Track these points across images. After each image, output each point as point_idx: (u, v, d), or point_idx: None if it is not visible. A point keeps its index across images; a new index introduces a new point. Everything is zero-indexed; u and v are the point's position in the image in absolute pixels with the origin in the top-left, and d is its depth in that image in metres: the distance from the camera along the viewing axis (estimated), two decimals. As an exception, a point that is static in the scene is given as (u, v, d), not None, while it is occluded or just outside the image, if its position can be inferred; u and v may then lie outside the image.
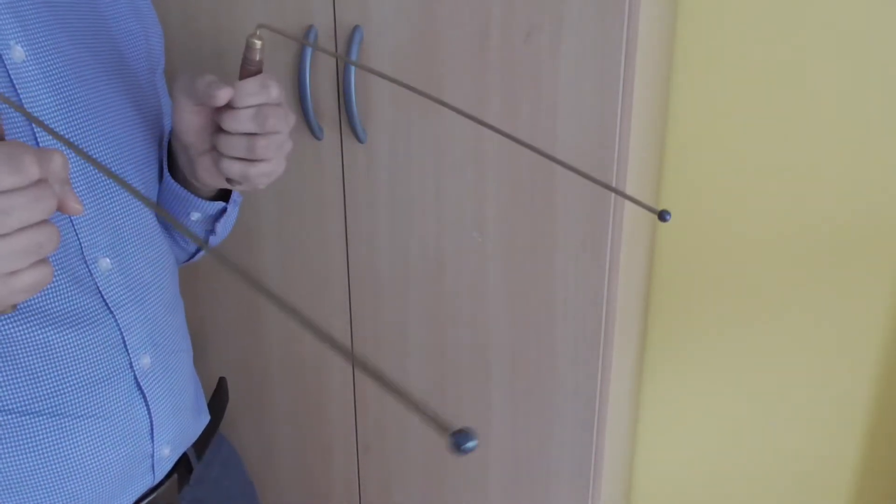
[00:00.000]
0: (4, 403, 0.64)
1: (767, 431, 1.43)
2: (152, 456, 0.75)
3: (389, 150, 1.04)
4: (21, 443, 0.65)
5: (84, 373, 0.67)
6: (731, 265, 1.35)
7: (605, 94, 0.92)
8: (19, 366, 0.64)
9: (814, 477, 1.43)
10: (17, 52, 0.62)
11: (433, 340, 1.12)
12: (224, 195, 0.84)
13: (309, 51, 1.02)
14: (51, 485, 0.67)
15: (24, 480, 0.66)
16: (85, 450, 0.68)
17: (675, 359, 1.45)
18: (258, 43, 0.68)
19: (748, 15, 1.21)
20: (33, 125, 0.63)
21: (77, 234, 0.66)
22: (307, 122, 1.05)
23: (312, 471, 1.30)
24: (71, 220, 0.66)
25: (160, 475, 0.77)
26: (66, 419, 0.67)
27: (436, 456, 1.19)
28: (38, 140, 0.63)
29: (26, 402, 0.65)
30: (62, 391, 0.66)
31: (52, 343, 0.65)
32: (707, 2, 1.22)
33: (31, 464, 0.66)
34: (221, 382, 0.97)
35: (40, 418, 0.65)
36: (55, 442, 0.66)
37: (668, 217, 0.59)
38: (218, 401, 0.93)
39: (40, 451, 0.66)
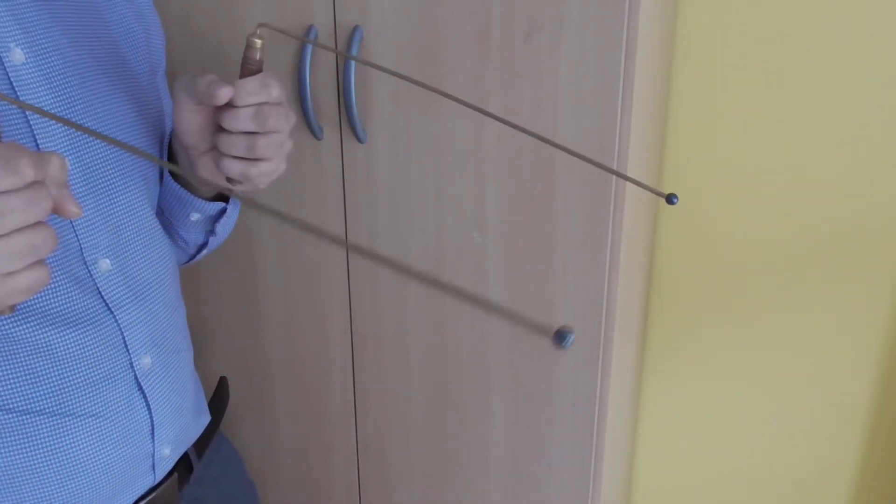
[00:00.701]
0: (5, 402, 0.64)
1: (767, 431, 1.43)
2: (153, 455, 0.75)
3: (389, 150, 1.04)
4: (21, 442, 0.65)
5: (84, 372, 0.67)
6: (731, 265, 1.35)
7: (606, 94, 0.92)
8: (20, 365, 0.64)
9: (813, 477, 1.43)
10: (17, 55, 0.62)
11: (433, 340, 1.12)
12: (224, 196, 0.84)
13: (309, 50, 1.02)
14: (51, 484, 0.67)
15: (24, 479, 0.66)
16: (85, 449, 0.68)
17: (675, 359, 1.45)
18: (258, 42, 0.68)
19: (748, 15, 1.21)
20: (33, 129, 0.63)
21: (77, 235, 0.66)
22: (307, 121, 1.05)
23: (312, 470, 1.30)
24: (71, 222, 0.66)
25: (161, 475, 0.78)
26: (66, 418, 0.67)
27: (436, 456, 1.19)
28: (38, 142, 0.63)
29: (27, 402, 0.65)
30: (63, 391, 0.66)
31: (52, 343, 0.65)
32: (707, 2, 1.22)
33: (32, 463, 0.66)
34: (222, 382, 0.97)
35: (41, 417, 0.65)
36: (55, 441, 0.66)
37: (675, 200, 0.59)
38: (218, 400, 0.93)
39: (41, 451, 0.66)
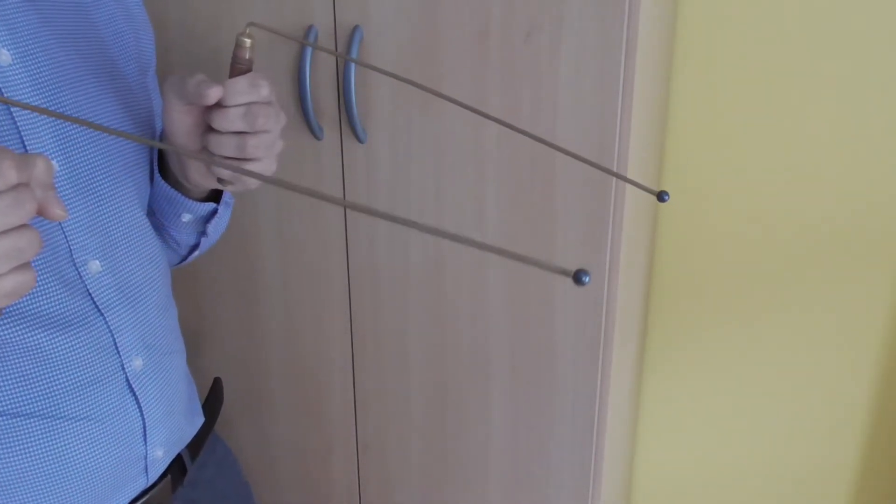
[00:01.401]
0: None
1: (767, 431, 1.43)
2: (145, 458, 0.75)
3: (389, 150, 1.04)
4: (12, 445, 0.65)
5: (75, 375, 0.67)
6: (731, 265, 1.35)
7: (605, 94, 0.92)
8: (10, 368, 0.64)
9: (813, 477, 1.43)
10: (4, 56, 0.62)
11: (433, 340, 1.12)
12: (215, 196, 0.83)
13: (309, 50, 1.02)
14: (42, 486, 0.67)
15: (15, 482, 0.66)
16: (77, 452, 0.68)
17: (675, 359, 1.45)
18: (248, 41, 0.68)
19: (748, 15, 1.21)
20: (20, 131, 0.62)
21: (66, 237, 0.66)
22: (307, 121, 1.05)
23: (312, 471, 1.30)
24: (60, 224, 0.65)
25: (154, 477, 0.77)
26: (57, 421, 0.66)
27: (436, 456, 1.19)
28: (26, 144, 0.63)
29: (17, 404, 0.64)
30: (53, 393, 0.66)
31: (42, 345, 0.65)
32: (707, 2, 1.22)
33: (23, 465, 0.66)
34: (216, 383, 0.96)
35: (32, 420, 0.65)
36: (47, 444, 0.66)
37: (666, 197, 0.59)
38: (213, 402, 0.93)
39: (32, 453, 0.66)
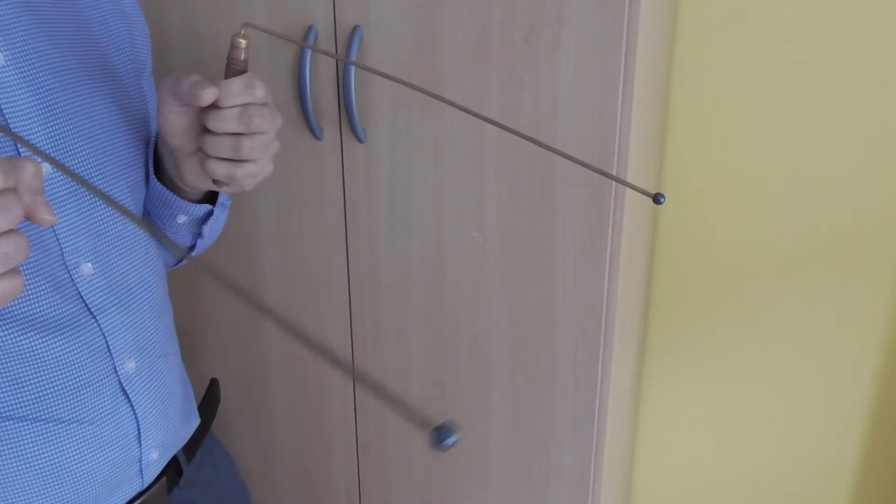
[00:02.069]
0: None
1: (767, 432, 1.43)
2: (140, 460, 0.75)
3: (389, 150, 1.04)
4: (5, 448, 0.65)
5: (68, 378, 0.67)
6: (731, 265, 1.35)
7: (605, 94, 0.91)
8: (2, 371, 0.63)
9: (814, 477, 1.43)
10: None
11: (433, 341, 1.12)
12: (211, 198, 0.83)
13: (309, 50, 1.02)
14: (36, 490, 0.67)
15: (8, 485, 0.65)
16: (70, 455, 0.68)
17: (675, 359, 1.45)
18: (243, 42, 0.68)
19: (748, 15, 1.21)
20: (14, 132, 0.62)
21: (58, 240, 0.66)
22: (307, 122, 1.05)
23: (312, 471, 1.30)
24: (52, 226, 0.65)
25: (149, 479, 0.77)
26: (50, 424, 0.66)
27: (436, 456, 1.19)
28: (19, 148, 0.62)
29: (10, 408, 0.64)
30: (46, 396, 0.66)
31: (34, 349, 0.64)
32: (707, 1, 1.22)
33: (16, 469, 0.65)
34: (213, 384, 0.96)
35: (24, 423, 0.65)
36: (40, 447, 0.66)
37: (662, 200, 0.59)
38: (209, 403, 0.92)
39: (25, 457, 0.66)
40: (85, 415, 0.68)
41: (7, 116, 0.62)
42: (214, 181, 0.72)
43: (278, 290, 1.19)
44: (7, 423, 0.64)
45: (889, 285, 1.27)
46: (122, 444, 0.72)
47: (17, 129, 0.62)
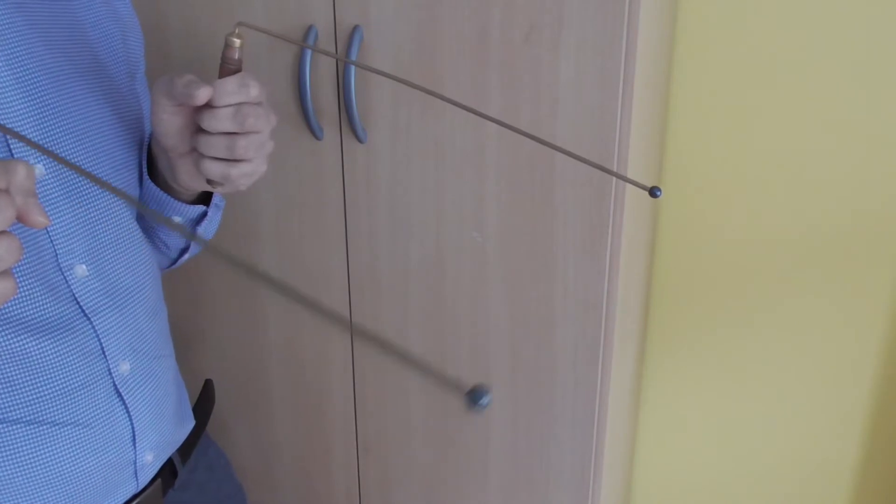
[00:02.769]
0: None
1: (767, 432, 1.43)
2: (135, 463, 0.74)
3: (389, 150, 1.04)
4: (0, 451, 0.65)
5: (62, 380, 0.67)
6: (732, 265, 1.35)
7: (606, 94, 0.91)
8: None
9: (814, 477, 1.43)
10: None
11: (433, 340, 1.12)
12: (205, 199, 0.83)
13: (309, 50, 1.02)
14: (30, 492, 0.66)
15: (2, 489, 0.65)
16: (64, 457, 0.68)
17: (675, 359, 1.45)
18: (237, 41, 0.67)
19: (748, 15, 1.21)
20: (7, 137, 0.62)
21: (52, 242, 0.65)
22: (307, 122, 1.05)
23: (312, 473, 1.30)
24: (46, 229, 0.65)
25: (144, 481, 0.77)
26: (44, 427, 0.66)
27: (436, 456, 1.19)
28: (12, 150, 0.62)
29: (3, 411, 0.64)
30: (40, 399, 0.65)
31: (28, 351, 0.64)
32: (707, 1, 1.22)
33: (10, 472, 0.65)
34: (207, 385, 0.95)
35: (18, 426, 0.65)
36: (34, 450, 0.66)
37: (658, 193, 0.59)
38: (203, 404, 0.92)
39: (18, 459, 0.65)
40: (79, 417, 0.68)
41: (0, 117, 0.62)
42: (209, 181, 0.72)
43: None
44: (1, 425, 0.64)
45: (889, 285, 1.27)
46: (116, 446, 0.72)
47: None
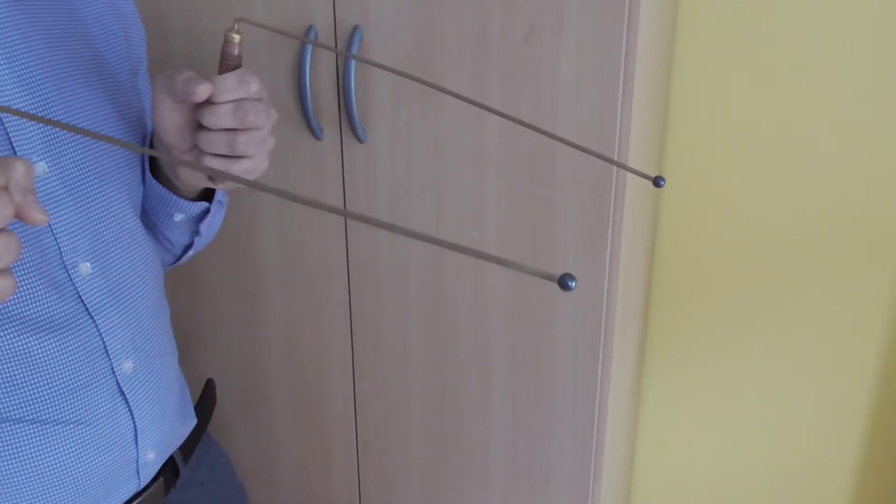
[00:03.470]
0: None
1: (767, 432, 1.43)
2: (137, 461, 0.74)
3: (389, 150, 1.04)
4: (2, 450, 0.64)
5: (64, 379, 0.66)
6: (732, 265, 1.35)
7: (606, 94, 0.91)
8: None
9: (814, 477, 1.43)
10: None
11: (433, 340, 1.12)
12: (208, 195, 0.83)
13: (309, 50, 1.02)
14: (32, 492, 0.66)
15: (5, 487, 0.65)
16: (67, 456, 0.68)
17: (675, 359, 1.45)
18: (236, 37, 0.67)
19: (748, 15, 1.21)
20: (9, 133, 0.62)
21: (56, 240, 0.65)
22: (307, 122, 1.05)
23: (312, 472, 1.30)
24: (50, 226, 0.65)
25: (145, 480, 0.77)
26: (46, 426, 0.66)
27: (436, 456, 1.19)
28: (15, 147, 0.62)
29: (6, 410, 0.64)
30: (42, 398, 0.65)
31: (31, 350, 0.64)
32: (707, 1, 1.22)
33: (13, 470, 0.65)
34: (209, 384, 0.95)
35: (20, 425, 0.65)
36: (36, 449, 0.66)
37: (662, 183, 0.58)
38: (205, 403, 0.92)
39: (21, 459, 0.65)
40: (82, 416, 0.68)
41: (2, 115, 0.62)
42: (210, 178, 0.72)
43: (278, 290, 1.19)
44: (3, 424, 0.64)
45: (889, 285, 1.27)
46: (118, 445, 0.72)
47: (11, 128, 0.62)
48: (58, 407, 0.67)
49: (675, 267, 1.39)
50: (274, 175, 1.12)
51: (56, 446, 0.67)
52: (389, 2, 0.97)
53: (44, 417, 0.66)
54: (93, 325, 0.69)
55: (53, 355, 0.66)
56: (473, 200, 1.02)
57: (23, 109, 0.63)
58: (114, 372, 0.70)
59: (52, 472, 0.67)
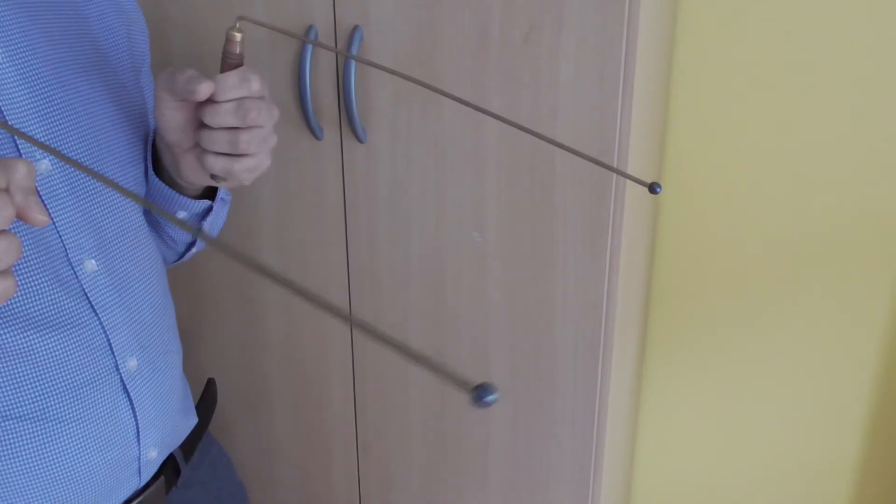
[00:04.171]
0: None
1: (767, 432, 1.43)
2: (138, 459, 0.74)
3: (389, 150, 1.04)
4: (4, 447, 0.64)
5: (68, 376, 0.67)
6: (731, 265, 1.35)
7: (605, 95, 0.91)
8: (2, 370, 0.63)
9: (814, 477, 1.43)
10: None
11: (433, 340, 1.12)
12: (211, 193, 0.83)
13: (309, 50, 1.02)
14: (35, 489, 0.66)
15: (7, 485, 0.65)
16: (69, 454, 0.68)
17: (675, 359, 1.45)
18: (238, 35, 0.67)
19: (748, 15, 1.21)
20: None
21: (61, 237, 0.65)
22: (307, 121, 1.05)
23: (312, 472, 1.30)
24: (54, 224, 0.65)
25: (147, 478, 0.77)
26: (50, 423, 0.66)
27: (436, 456, 1.19)
28: (18, 145, 0.62)
29: (9, 407, 0.64)
30: (46, 395, 0.65)
31: (35, 347, 0.64)
32: (707, 1, 1.22)
33: (15, 468, 0.65)
34: (210, 384, 0.96)
35: (24, 423, 0.65)
36: (39, 446, 0.66)
37: (658, 189, 0.58)
38: (206, 402, 0.92)
39: (24, 456, 0.65)
40: (85, 414, 0.68)
41: (5, 114, 0.62)
42: (212, 176, 0.72)
43: (278, 290, 1.19)
44: (6, 422, 0.64)
45: (889, 285, 1.27)
46: (120, 442, 0.72)
47: (14, 127, 0.62)
48: (61, 404, 0.67)
49: (675, 267, 1.39)
50: (274, 175, 1.12)
51: (59, 444, 0.67)
52: (389, 2, 0.97)
53: (47, 415, 0.66)
54: (98, 322, 0.69)
55: (57, 353, 0.66)
56: (473, 200, 1.02)
57: (26, 108, 0.63)
58: (118, 369, 0.70)
59: (54, 469, 0.67)
